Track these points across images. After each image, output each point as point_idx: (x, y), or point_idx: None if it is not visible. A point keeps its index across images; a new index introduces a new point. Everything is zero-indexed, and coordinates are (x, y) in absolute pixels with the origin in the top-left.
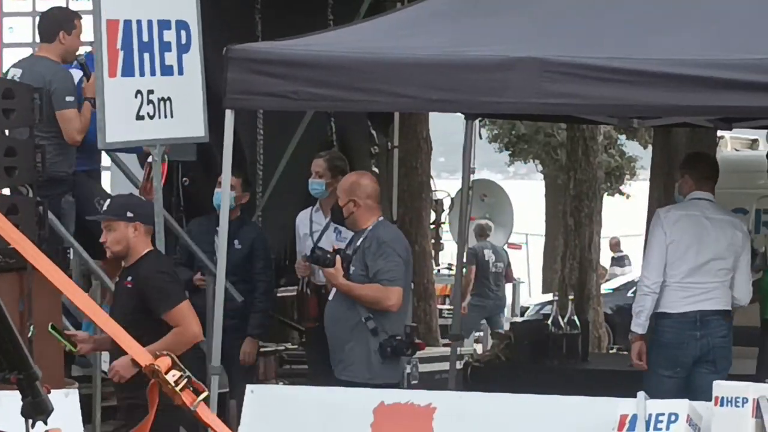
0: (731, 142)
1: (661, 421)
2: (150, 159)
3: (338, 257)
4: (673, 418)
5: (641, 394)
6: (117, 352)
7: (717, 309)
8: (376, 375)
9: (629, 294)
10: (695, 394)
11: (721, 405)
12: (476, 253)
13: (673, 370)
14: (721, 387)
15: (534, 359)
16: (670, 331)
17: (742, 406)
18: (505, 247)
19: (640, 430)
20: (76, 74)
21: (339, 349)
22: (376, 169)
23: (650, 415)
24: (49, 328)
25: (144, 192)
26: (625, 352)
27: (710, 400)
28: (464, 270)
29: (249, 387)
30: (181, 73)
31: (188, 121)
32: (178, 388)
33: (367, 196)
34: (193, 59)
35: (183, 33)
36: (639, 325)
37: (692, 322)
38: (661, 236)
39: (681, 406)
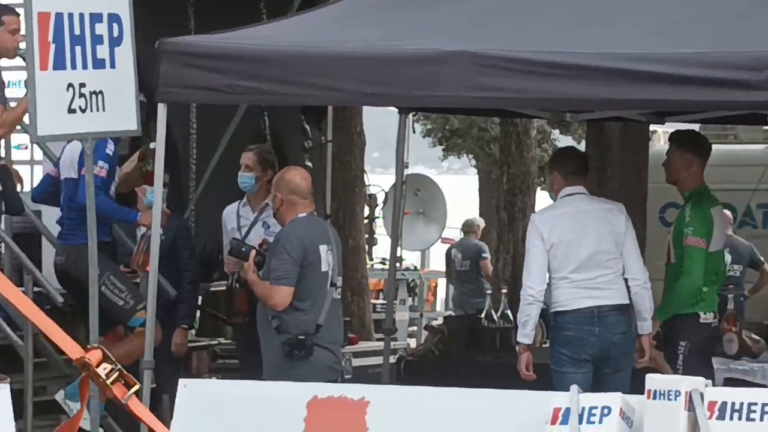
0: (664, 137)
1: (594, 415)
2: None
3: (253, 251)
4: (606, 411)
5: (574, 387)
6: None
7: (614, 304)
8: (280, 374)
9: None
10: None
11: (654, 398)
12: (449, 254)
13: (576, 366)
14: (653, 380)
15: (467, 353)
16: (569, 328)
17: (675, 399)
18: (476, 242)
19: (573, 423)
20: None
21: (261, 344)
22: (309, 164)
23: (583, 408)
24: None
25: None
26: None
27: None
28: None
29: (182, 381)
30: (113, 66)
31: (120, 114)
32: (109, 381)
33: (290, 191)
34: (126, 52)
35: (115, 26)
36: (525, 335)
37: (589, 317)
38: (539, 243)
39: (614, 399)
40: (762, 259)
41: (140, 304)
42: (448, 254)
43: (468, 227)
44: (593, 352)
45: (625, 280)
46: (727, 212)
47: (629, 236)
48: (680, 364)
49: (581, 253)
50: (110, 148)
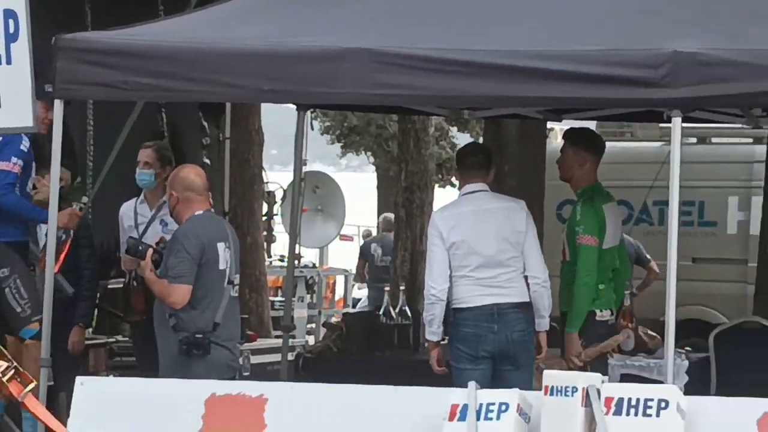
0: (561, 134)
1: (492, 411)
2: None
3: (150, 249)
4: (503, 407)
5: (472, 383)
6: None
7: (514, 302)
8: (177, 372)
9: None
10: None
11: (551, 394)
12: (366, 249)
13: (474, 363)
14: (550, 376)
15: (366, 350)
16: (468, 324)
17: (572, 395)
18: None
19: (470, 419)
20: None
21: (158, 343)
22: (207, 161)
23: (481, 404)
24: None
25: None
26: None
27: None
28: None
29: (78, 379)
30: (9, 62)
31: (16, 111)
32: (5, 379)
33: (185, 188)
34: (22, 49)
35: (11, 22)
36: (432, 333)
37: (489, 314)
38: (439, 242)
39: (511, 395)
40: (649, 256)
41: (36, 316)
42: (365, 250)
43: (387, 224)
44: (492, 349)
45: (525, 277)
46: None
47: (530, 234)
48: None
49: (482, 252)
50: (25, 145)
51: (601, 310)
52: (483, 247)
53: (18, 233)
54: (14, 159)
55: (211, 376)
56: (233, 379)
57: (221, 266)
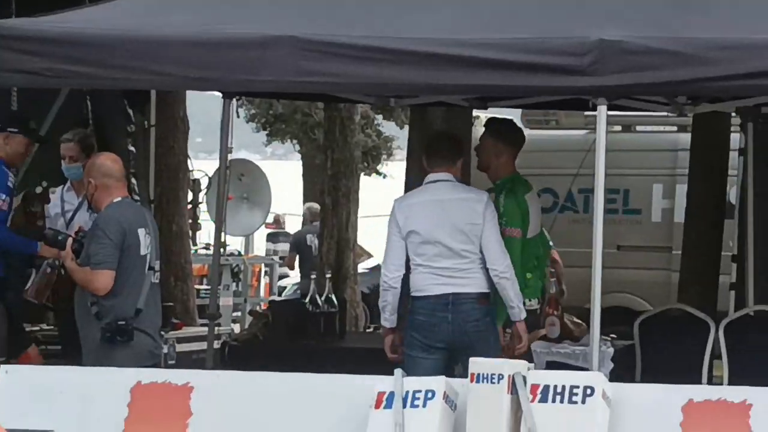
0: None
1: (418, 398)
2: None
3: (69, 239)
4: (429, 395)
5: (398, 371)
6: None
7: (471, 292)
8: (101, 359)
9: None
10: None
11: (477, 381)
12: (297, 239)
13: (427, 352)
14: (476, 364)
15: (292, 338)
16: (422, 313)
17: (498, 382)
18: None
19: (396, 406)
20: None
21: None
22: (132, 148)
23: (407, 392)
24: None
25: None
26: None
27: None
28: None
29: (2, 368)
30: None
31: None
32: None
33: (103, 175)
34: None
35: None
36: (386, 319)
37: (444, 304)
38: (396, 230)
39: (438, 383)
40: (552, 244)
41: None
42: (301, 241)
43: (314, 215)
44: (446, 338)
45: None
46: None
47: (488, 226)
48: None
49: (438, 241)
50: (11, 180)
51: (529, 299)
52: (439, 237)
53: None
54: (3, 196)
55: (134, 363)
56: (156, 366)
57: (142, 252)
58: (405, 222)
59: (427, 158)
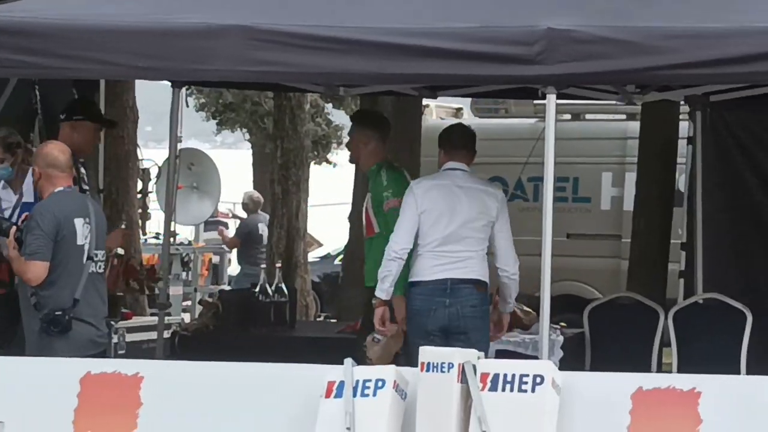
0: (436, 111)
1: (368, 387)
2: None
3: (13, 227)
4: (380, 384)
5: (348, 360)
6: None
7: (469, 278)
8: (42, 350)
9: (336, 262)
10: None
11: (427, 370)
12: (248, 227)
13: (425, 338)
14: (426, 352)
15: (242, 327)
16: (419, 299)
17: (448, 371)
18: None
19: (347, 396)
20: None
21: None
22: None
23: (357, 381)
24: None
25: None
26: (333, 320)
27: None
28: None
29: None
30: None
31: None
32: None
33: (47, 164)
34: None
35: None
36: (382, 290)
37: (442, 289)
38: (413, 205)
39: (388, 372)
40: None
41: None
42: (252, 230)
43: (256, 204)
44: (443, 323)
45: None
46: None
47: (501, 222)
48: None
49: (449, 227)
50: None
51: None
52: (450, 221)
53: None
54: None
55: (75, 352)
56: (102, 354)
57: (79, 242)
58: (422, 200)
59: (448, 147)
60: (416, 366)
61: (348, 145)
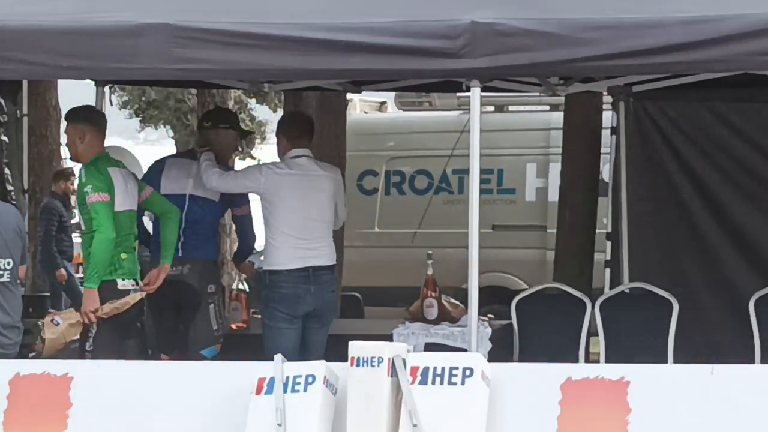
0: (360, 105)
1: (299, 383)
2: None
3: None
4: (310, 379)
5: (278, 356)
6: None
7: (327, 264)
8: None
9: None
10: (310, 350)
11: (358, 365)
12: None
13: (290, 322)
14: (356, 347)
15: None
16: (286, 286)
17: (378, 365)
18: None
19: (277, 392)
20: None
21: None
22: (5, 138)
23: (287, 377)
24: None
25: None
26: (258, 317)
27: (320, 357)
28: None
29: None
30: None
31: None
32: None
33: None
34: None
35: None
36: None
37: (305, 276)
38: (257, 178)
39: (318, 367)
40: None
41: (220, 340)
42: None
43: None
44: (307, 308)
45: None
46: None
47: (339, 199)
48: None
49: (302, 214)
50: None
51: (123, 280)
52: (303, 211)
53: (215, 253)
54: None
55: None
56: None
57: None
58: (272, 188)
59: (289, 135)
60: None
61: (66, 143)
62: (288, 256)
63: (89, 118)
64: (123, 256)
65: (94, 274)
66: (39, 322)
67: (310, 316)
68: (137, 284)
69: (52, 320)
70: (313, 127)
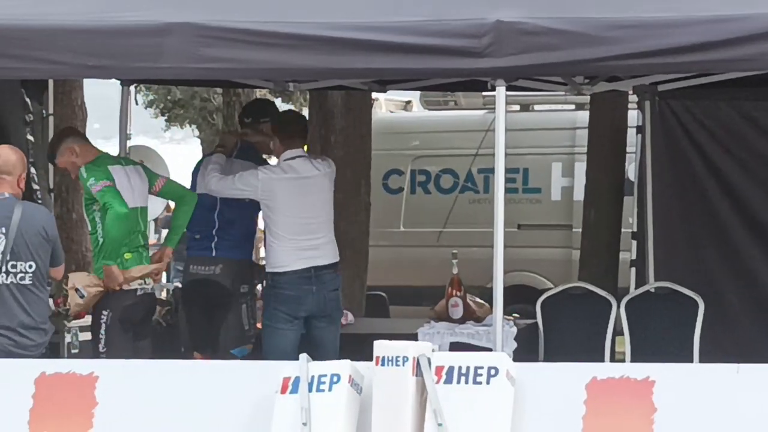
0: (386, 104)
1: (324, 382)
2: None
3: None
4: (335, 379)
5: (303, 356)
6: None
7: (329, 263)
8: None
9: None
10: (320, 349)
11: (383, 364)
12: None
13: (291, 323)
14: (381, 347)
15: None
16: (288, 287)
17: (403, 365)
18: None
19: (303, 391)
20: None
21: None
22: (31, 138)
23: (312, 376)
24: None
25: None
26: None
27: (335, 353)
28: None
29: None
30: None
31: None
32: None
33: None
34: None
35: None
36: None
37: (307, 277)
38: (254, 184)
39: (343, 367)
40: None
41: (252, 340)
42: None
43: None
44: (310, 308)
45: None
46: None
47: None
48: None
49: (301, 217)
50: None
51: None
52: (303, 212)
53: (250, 253)
54: None
55: None
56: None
57: None
58: (269, 192)
59: (282, 136)
60: None
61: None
62: (290, 257)
63: (67, 134)
64: (127, 255)
65: (110, 250)
66: (63, 285)
67: (314, 315)
68: (144, 283)
69: (76, 290)
70: (306, 126)
